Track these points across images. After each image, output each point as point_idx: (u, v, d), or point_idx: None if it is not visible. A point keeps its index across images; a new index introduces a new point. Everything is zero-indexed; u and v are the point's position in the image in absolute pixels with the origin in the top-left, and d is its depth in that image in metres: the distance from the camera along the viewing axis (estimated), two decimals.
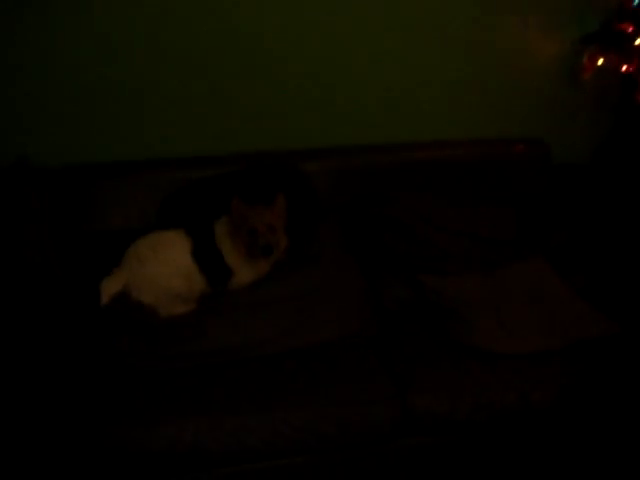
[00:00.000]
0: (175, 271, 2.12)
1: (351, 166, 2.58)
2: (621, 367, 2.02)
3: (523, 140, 2.75)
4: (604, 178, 2.83)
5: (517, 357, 2.00)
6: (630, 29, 2.53)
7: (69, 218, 2.37)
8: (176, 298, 2.13)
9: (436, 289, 2.26)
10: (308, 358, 2.02)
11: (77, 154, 2.47)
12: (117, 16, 2.33)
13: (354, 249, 2.48)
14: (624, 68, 2.61)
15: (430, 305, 2.26)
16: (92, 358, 1.97)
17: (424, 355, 2.05)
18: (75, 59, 2.37)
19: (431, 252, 2.43)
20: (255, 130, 2.62)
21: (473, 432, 1.98)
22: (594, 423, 2.06)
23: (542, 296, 2.21)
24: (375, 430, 1.89)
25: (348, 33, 2.52)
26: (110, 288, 2.06)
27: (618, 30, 2.56)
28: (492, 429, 1.99)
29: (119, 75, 2.43)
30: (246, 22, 2.43)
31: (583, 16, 2.64)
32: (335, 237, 2.47)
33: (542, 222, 2.61)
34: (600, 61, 2.64)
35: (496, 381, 1.95)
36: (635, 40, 2.53)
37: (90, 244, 2.34)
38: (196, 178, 2.43)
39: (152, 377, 1.92)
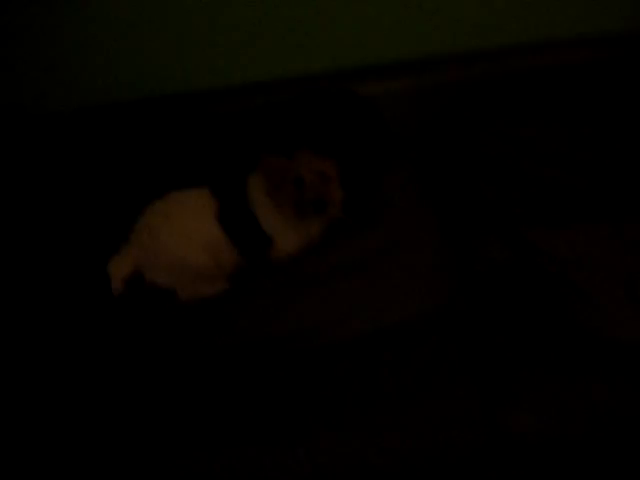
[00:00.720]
0: (196, 242, 1.66)
1: (426, 86, 1.95)
2: None
3: None
4: None
5: None
6: None
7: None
8: (199, 276, 1.68)
9: (546, 249, 1.64)
10: (364, 352, 1.53)
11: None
12: None
13: (436, 198, 1.89)
14: None
15: (538, 272, 1.64)
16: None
17: (528, 348, 1.48)
18: None
19: (542, 197, 1.79)
20: (297, 47, 2.01)
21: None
22: None
23: None
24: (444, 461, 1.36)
25: None
26: (121, 270, 1.66)
27: None
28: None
29: None
30: None
31: None
32: (409, 183, 1.87)
33: None
34: None
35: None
36: None
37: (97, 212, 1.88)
38: (221, 116, 1.92)
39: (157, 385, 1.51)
